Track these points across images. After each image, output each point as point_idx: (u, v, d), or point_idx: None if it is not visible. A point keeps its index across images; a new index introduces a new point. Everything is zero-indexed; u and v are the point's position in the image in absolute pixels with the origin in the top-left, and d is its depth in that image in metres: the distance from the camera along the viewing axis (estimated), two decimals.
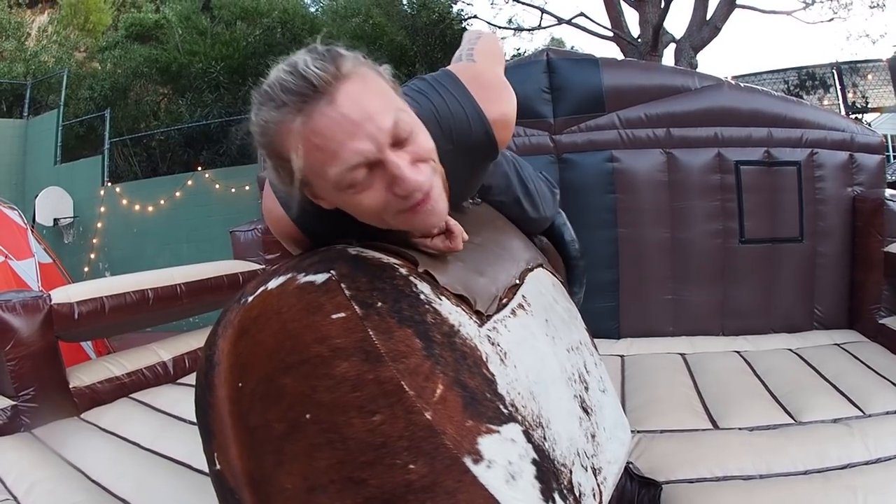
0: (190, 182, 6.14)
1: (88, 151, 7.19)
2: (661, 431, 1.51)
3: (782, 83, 7.33)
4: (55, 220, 6.20)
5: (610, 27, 7.12)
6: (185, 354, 2.18)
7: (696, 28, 6.75)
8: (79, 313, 1.80)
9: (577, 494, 0.75)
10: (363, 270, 0.68)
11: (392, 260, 0.72)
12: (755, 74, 7.52)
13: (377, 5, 8.42)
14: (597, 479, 0.84)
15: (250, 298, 0.67)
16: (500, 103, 0.83)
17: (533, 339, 0.86)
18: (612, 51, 7.28)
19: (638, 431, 1.49)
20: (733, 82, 2.43)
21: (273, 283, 0.67)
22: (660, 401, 1.69)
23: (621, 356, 2.17)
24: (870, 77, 7.20)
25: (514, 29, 8.60)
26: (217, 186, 6.03)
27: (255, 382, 0.62)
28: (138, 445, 1.58)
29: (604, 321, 2.36)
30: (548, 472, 0.69)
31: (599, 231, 2.35)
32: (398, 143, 0.63)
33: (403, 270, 0.71)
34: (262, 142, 0.64)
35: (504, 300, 0.88)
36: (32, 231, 3.33)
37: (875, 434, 1.37)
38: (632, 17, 7.09)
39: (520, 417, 0.69)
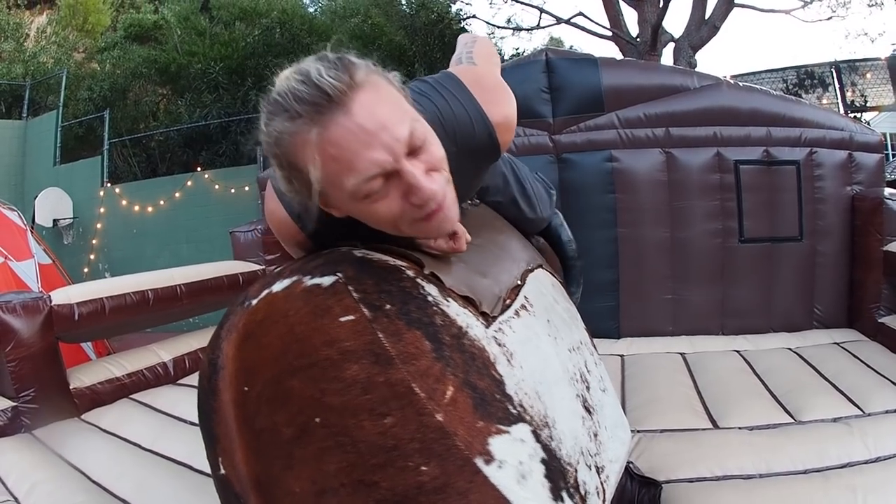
0: (189, 183, 6.14)
1: (88, 152, 7.19)
2: (661, 431, 1.51)
3: (781, 82, 7.34)
4: (55, 220, 6.20)
5: (609, 27, 7.13)
6: (185, 355, 2.18)
7: (695, 27, 6.76)
8: (79, 314, 1.80)
9: (583, 493, 0.75)
10: (370, 273, 0.67)
11: (398, 262, 0.72)
12: (754, 73, 7.52)
13: (376, 5, 8.42)
14: (600, 478, 0.84)
15: (254, 302, 0.67)
16: (502, 105, 0.84)
17: (536, 340, 0.87)
18: (610, 50, 7.29)
19: (638, 431, 1.49)
20: (732, 81, 2.43)
21: (278, 286, 0.67)
22: (660, 400, 1.69)
23: (621, 356, 2.17)
24: (868, 76, 7.20)
25: (513, 28, 8.62)
26: (216, 187, 6.03)
27: (262, 386, 0.62)
28: (139, 446, 1.58)
29: (604, 321, 2.36)
30: (556, 472, 0.69)
31: (599, 231, 2.35)
32: (413, 152, 0.63)
33: (410, 272, 0.71)
34: (275, 152, 0.63)
35: (507, 301, 0.88)
36: (32, 232, 3.32)
37: (875, 433, 1.37)
38: (630, 17, 7.10)
39: (528, 417, 0.70)
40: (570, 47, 10.71)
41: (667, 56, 7.04)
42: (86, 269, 6.23)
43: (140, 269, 2.62)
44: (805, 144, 2.32)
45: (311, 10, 9.81)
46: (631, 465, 1.31)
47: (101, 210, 6.35)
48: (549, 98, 2.40)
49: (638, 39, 6.88)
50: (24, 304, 1.68)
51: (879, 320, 2.16)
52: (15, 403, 1.65)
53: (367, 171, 0.61)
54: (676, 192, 2.35)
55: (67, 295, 1.82)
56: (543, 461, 0.68)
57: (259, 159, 6.05)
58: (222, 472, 0.66)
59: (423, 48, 7.65)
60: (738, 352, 2.14)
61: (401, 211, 0.65)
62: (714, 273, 2.36)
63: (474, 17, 8.38)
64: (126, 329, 2.40)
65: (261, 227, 2.63)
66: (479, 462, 0.60)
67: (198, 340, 2.28)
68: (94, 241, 6.37)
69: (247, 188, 5.83)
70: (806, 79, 7.27)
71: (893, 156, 7.57)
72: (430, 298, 0.70)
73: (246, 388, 0.63)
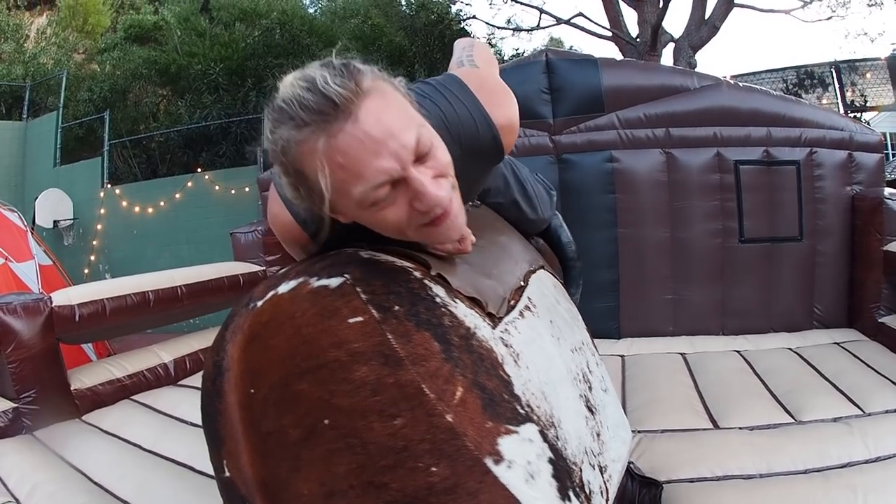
0: (190, 183, 6.15)
1: (88, 153, 7.19)
2: (662, 431, 1.51)
3: (781, 82, 7.34)
4: (55, 221, 6.21)
5: (609, 27, 7.13)
6: (186, 356, 2.19)
7: (695, 27, 6.76)
8: (80, 315, 1.80)
9: (588, 492, 0.75)
10: (377, 274, 0.67)
11: (405, 263, 0.72)
12: (754, 74, 7.52)
13: (376, 6, 8.43)
14: (603, 477, 0.84)
15: (259, 303, 0.67)
16: (505, 107, 0.84)
17: (540, 341, 0.87)
18: (610, 51, 7.30)
19: (639, 431, 1.49)
20: (732, 82, 2.43)
21: (284, 288, 0.67)
22: (660, 401, 1.69)
23: (622, 356, 2.17)
24: (868, 75, 7.20)
25: (513, 29, 8.63)
26: (217, 188, 6.04)
27: (269, 388, 0.61)
28: (140, 447, 1.58)
29: (604, 321, 2.36)
30: (562, 471, 0.69)
31: (599, 231, 2.35)
32: (419, 158, 0.63)
33: (417, 274, 0.71)
34: (282, 160, 0.63)
35: (512, 302, 0.88)
36: (32, 233, 3.33)
37: (875, 433, 1.37)
38: (630, 17, 7.11)
39: (535, 417, 0.70)
40: (570, 48, 10.72)
41: (667, 56, 7.06)
42: (86, 271, 6.24)
43: (140, 270, 2.62)
44: (805, 144, 2.32)
45: (311, 10, 9.84)
46: (632, 466, 1.31)
47: (102, 211, 6.36)
48: (550, 99, 2.41)
49: (638, 40, 6.88)
50: (25, 305, 1.68)
51: (879, 320, 2.17)
52: (16, 405, 1.65)
53: (375, 179, 0.61)
54: (677, 193, 2.35)
55: (68, 296, 1.82)
56: (551, 461, 0.68)
57: (259, 160, 6.06)
58: (227, 474, 0.66)
59: (423, 49, 7.66)
60: (738, 352, 2.14)
61: (408, 217, 0.65)
62: (714, 273, 2.36)
63: (474, 17, 8.41)
64: (127, 330, 2.40)
65: (261, 229, 2.63)
66: (489, 462, 0.60)
67: (199, 341, 2.29)
68: (94, 243, 6.38)
69: (247, 189, 5.83)
70: (806, 79, 7.27)
71: (893, 155, 7.58)
72: (438, 300, 0.70)
73: (252, 391, 0.62)
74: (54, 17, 10.20)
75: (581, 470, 0.76)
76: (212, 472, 0.70)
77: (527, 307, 0.91)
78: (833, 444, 1.35)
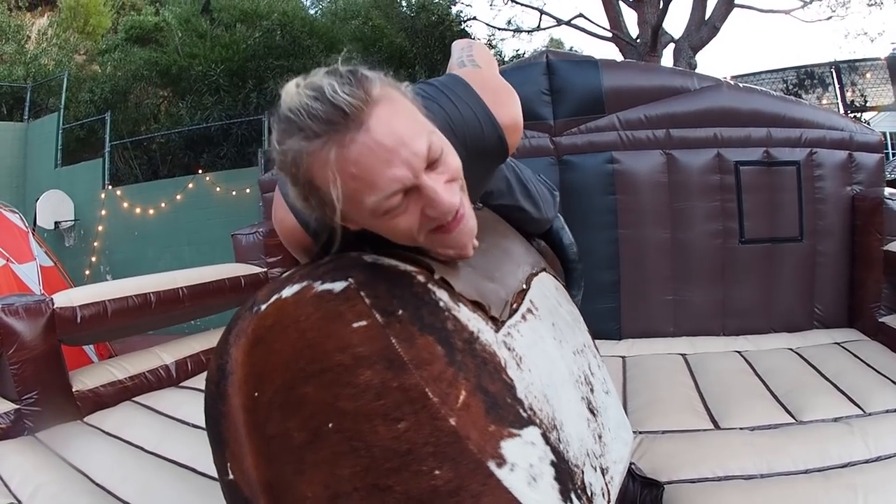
0: (191, 185, 6.15)
1: (89, 154, 7.21)
2: (663, 432, 1.51)
3: (781, 82, 7.33)
4: (56, 223, 6.22)
5: (609, 28, 7.14)
6: (187, 357, 2.19)
7: (695, 28, 6.76)
8: (81, 317, 1.80)
9: (590, 494, 0.75)
10: (381, 278, 0.68)
11: (408, 267, 0.72)
12: (754, 74, 7.51)
13: (376, 7, 8.44)
14: (605, 479, 0.84)
15: (263, 307, 0.67)
16: (509, 107, 0.84)
17: (542, 343, 0.87)
18: (610, 52, 7.32)
19: (640, 432, 1.50)
20: (732, 82, 2.44)
21: (287, 292, 0.67)
22: (661, 401, 1.70)
23: (622, 357, 2.17)
24: (868, 75, 7.19)
25: (513, 30, 8.64)
26: (218, 189, 6.04)
27: (273, 392, 0.62)
28: (142, 449, 1.58)
29: (605, 322, 2.37)
30: (564, 473, 0.70)
31: (600, 232, 2.36)
32: (430, 165, 0.63)
33: (421, 278, 0.71)
34: (292, 171, 0.62)
35: (514, 305, 0.88)
36: (33, 234, 3.33)
37: (875, 432, 1.37)
38: (630, 18, 7.12)
39: (538, 420, 0.70)
40: (571, 49, 10.73)
41: (667, 57, 7.07)
42: (87, 272, 6.24)
43: (141, 271, 2.62)
44: (805, 145, 2.33)
45: (311, 12, 9.84)
46: (633, 466, 1.31)
47: (103, 212, 6.37)
48: (550, 100, 2.41)
49: (638, 41, 6.89)
50: (27, 306, 1.68)
51: (880, 320, 2.17)
52: (18, 406, 1.65)
53: (388, 188, 0.60)
54: (677, 194, 2.36)
55: (70, 297, 1.82)
56: (553, 463, 0.68)
57: (260, 161, 6.06)
58: (231, 476, 0.66)
59: (424, 50, 7.66)
60: (738, 352, 2.14)
61: (419, 224, 0.65)
62: (715, 274, 2.37)
63: (474, 18, 8.43)
64: (128, 332, 2.40)
65: (262, 230, 2.63)
66: (492, 465, 0.60)
67: (200, 343, 2.29)
68: (95, 244, 6.38)
69: (248, 190, 5.83)
70: (806, 79, 7.26)
71: (893, 155, 7.57)
72: (441, 303, 0.70)
73: (256, 394, 0.63)
74: (55, 18, 10.22)
75: (583, 472, 0.76)
76: (215, 474, 0.70)
77: (529, 310, 0.91)
78: (834, 443, 1.35)
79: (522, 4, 8.05)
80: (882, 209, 2.18)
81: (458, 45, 1.00)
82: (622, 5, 7.09)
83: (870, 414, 1.53)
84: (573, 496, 0.69)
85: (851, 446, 1.34)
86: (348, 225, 0.68)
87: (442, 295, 0.72)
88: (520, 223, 1.24)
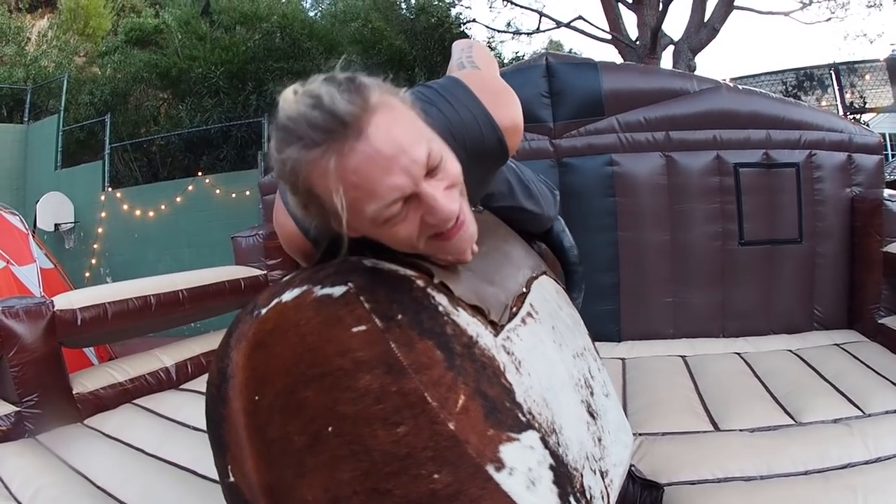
0: (190, 187, 6.16)
1: (89, 156, 7.21)
2: (663, 434, 1.52)
3: (780, 84, 7.34)
4: (56, 225, 6.21)
5: (608, 30, 7.15)
6: (187, 360, 2.19)
7: (695, 30, 6.78)
8: (82, 319, 1.81)
9: (589, 497, 0.76)
10: (381, 283, 0.68)
11: (408, 272, 0.72)
12: (753, 76, 7.51)
13: (376, 9, 8.45)
14: (604, 482, 0.85)
15: (264, 311, 0.67)
16: (509, 109, 0.83)
17: (542, 347, 0.87)
18: (610, 54, 7.34)
19: (640, 434, 1.50)
20: (731, 85, 2.45)
21: (288, 296, 0.67)
22: (661, 403, 1.70)
23: (622, 359, 2.18)
24: (867, 77, 7.19)
25: (513, 32, 8.67)
26: (218, 191, 6.04)
27: (274, 395, 0.62)
28: (142, 451, 1.58)
29: (604, 324, 2.37)
30: (563, 477, 0.70)
31: (600, 234, 2.36)
32: (430, 172, 0.63)
33: (420, 282, 0.72)
34: (291, 179, 0.62)
35: (514, 309, 0.89)
36: (33, 236, 3.34)
37: (875, 434, 1.38)
38: (630, 20, 7.14)
39: (537, 424, 0.71)
40: (570, 51, 10.75)
41: (666, 59, 7.07)
42: (87, 274, 6.24)
43: (141, 273, 2.62)
44: (804, 147, 2.33)
45: (311, 14, 9.86)
46: (633, 468, 1.32)
47: (103, 214, 6.37)
48: (550, 102, 2.42)
49: (637, 43, 6.90)
50: (27, 309, 1.68)
51: (879, 321, 2.17)
52: (18, 408, 1.65)
53: (388, 197, 0.60)
54: (676, 196, 2.36)
55: (70, 300, 1.83)
56: (551, 467, 0.68)
57: (260, 164, 6.07)
58: (231, 479, 0.67)
59: (424, 52, 7.67)
60: (738, 354, 2.14)
61: (419, 231, 0.65)
62: (714, 276, 2.37)
63: (474, 21, 8.44)
64: (129, 334, 2.40)
65: (262, 232, 2.64)
66: (491, 469, 0.61)
67: (200, 345, 2.29)
68: (95, 246, 6.38)
69: (248, 192, 5.83)
70: (805, 81, 7.27)
71: (892, 156, 7.58)
72: (440, 308, 0.70)
73: (257, 398, 0.63)
74: (55, 20, 10.23)
75: (582, 475, 0.77)
76: (215, 477, 0.70)
77: (529, 314, 0.91)
78: (833, 445, 1.35)
79: (522, 7, 8.08)
80: (881, 211, 2.19)
81: (458, 46, 1.00)
82: (621, 7, 7.10)
83: (869, 415, 1.53)
84: (572, 499, 0.69)
85: (851, 447, 1.34)
86: (349, 233, 0.68)
87: (441, 299, 0.72)
88: (522, 223, 1.24)
